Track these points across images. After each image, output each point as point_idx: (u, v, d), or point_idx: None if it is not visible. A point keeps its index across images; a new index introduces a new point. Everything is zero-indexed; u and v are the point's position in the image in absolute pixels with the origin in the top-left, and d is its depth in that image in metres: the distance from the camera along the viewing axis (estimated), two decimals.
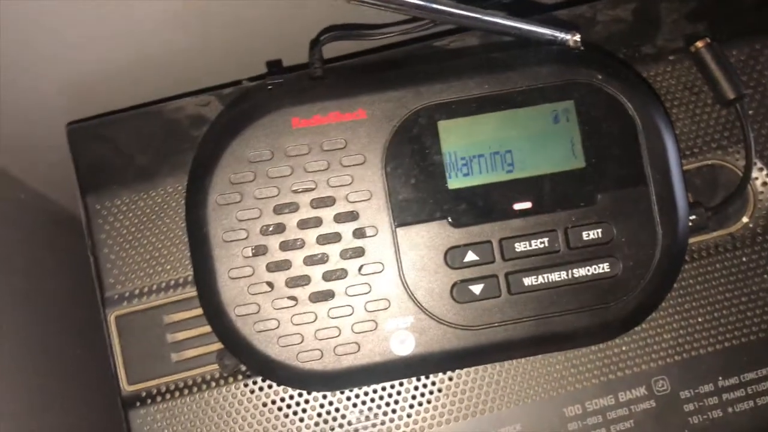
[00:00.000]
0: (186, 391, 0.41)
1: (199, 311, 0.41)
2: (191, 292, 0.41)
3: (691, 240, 0.42)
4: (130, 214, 0.42)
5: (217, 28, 0.45)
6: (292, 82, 0.39)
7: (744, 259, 0.43)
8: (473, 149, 0.38)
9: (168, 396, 0.41)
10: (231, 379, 0.41)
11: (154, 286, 0.41)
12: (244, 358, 0.37)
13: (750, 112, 0.43)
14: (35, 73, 0.45)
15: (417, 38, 0.46)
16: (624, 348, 0.42)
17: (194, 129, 0.43)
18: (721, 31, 0.44)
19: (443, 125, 0.37)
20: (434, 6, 0.34)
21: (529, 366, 0.41)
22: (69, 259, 0.58)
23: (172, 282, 0.41)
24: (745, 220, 0.43)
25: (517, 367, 0.41)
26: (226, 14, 0.44)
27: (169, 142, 0.43)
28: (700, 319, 0.42)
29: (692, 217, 0.40)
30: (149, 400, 0.41)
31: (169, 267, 0.41)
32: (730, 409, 0.41)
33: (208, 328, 0.41)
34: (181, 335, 0.41)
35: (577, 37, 0.40)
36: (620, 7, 0.45)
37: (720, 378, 0.42)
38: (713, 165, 0.44)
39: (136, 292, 0.41)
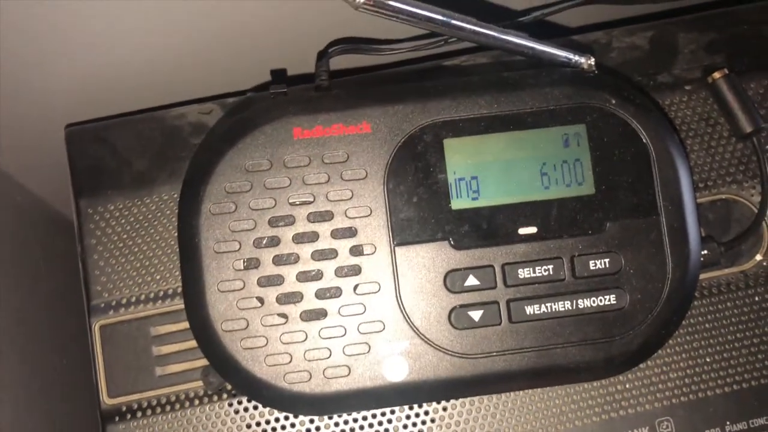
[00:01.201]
0: (168, 408, 0.39)
1: (187, 325, 0.39)
2: (180, 304, 0.40)
3: (702, 276, 0.40)
4: (123, 221, 0.40)
5: (223, 37, 0.44)
6: (296, 92, 0.38)
7: (756, 298, 0.41)
8: (479, 170, 0.36)
9: (149, 412, 0.39)
10: (215, 398, 0.39)
11: (143, 296, 0.40)
12: (229, 376, 0.36)
13: (767, 147, 0.42)
14: (37, 73, 0.44)
15: (426, 57, 0.45)
16: (628, 385, 0.40)
17: (194, 137, 0.42)
18: (740, 63, 0.43)
19: (449, 143, 0.36)
20: (448, 20, 0.33)
21: (527, 399, 0.40)
22: (63, 265, 0.57)
23: (162, 293, 0.40)
24: (758, 258, 0.42)
25: (514, 399, 0.40)
26: (232, 23, 0.43)
27: (168, 149, 0.42)
28: (708, 359, 0.40)
29: (704, 252, 0.39)
30: (129, 415, 0.39)
31: (159, 277, 0.40)
32: None
33: (194, 343, 0.39)
34: (166, 349, 0.40)
35: (592, 61, 0.39)
36: (637, 34, 0.44)
37: (728, 422, 0.40)
38: (727, 199, 0.42)
39: (124, 301, 0.40)
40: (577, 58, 0.38)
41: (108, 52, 0.43)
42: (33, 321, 0.50)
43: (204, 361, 0.39)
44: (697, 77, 0.43)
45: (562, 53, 0.38)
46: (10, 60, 0.41)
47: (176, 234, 0.40)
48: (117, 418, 0.39)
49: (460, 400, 0.39)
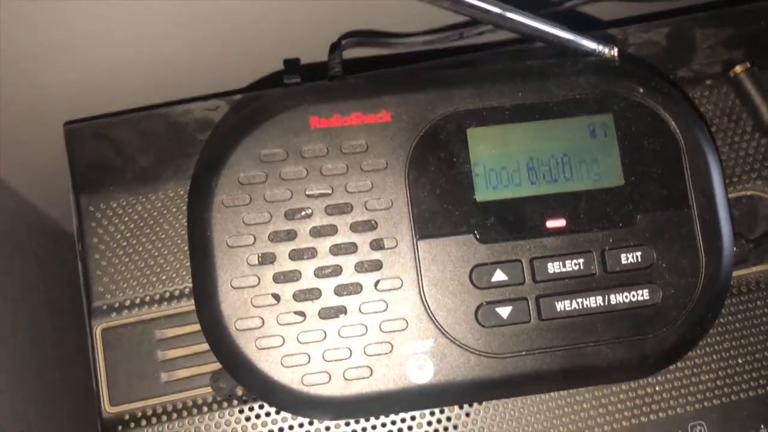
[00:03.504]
0: (174, 416, 0.37)
1: (195, 327, 0.37)
2: (187, 305, 0.38)
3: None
4: (126, 218, 0.38)
5: (228, 33, 0.43)
6: (311, 82, 0.36)
7: None
8: (504, 160, 0.35)
9: (154, 420, 0.37)
10: (225, 404, 0.37)
11: (147, 298, 0.38)
12: (243, 379, 0.34)
13: None
14: (33, 74, 0.42)
15: (440, 52, 0.44)
16: (658, 388, 0.38)
17: (200, 133, 0.40)
18: (761, 58, 0.42)
19: (473, 133, 0.34)
20: (474, 2, 0.32)
21: (553, 404, 0.38)
22: (57, 273, 0.55)
23: (167, 294, 0.38)
24: None
25: (540, 403, 0.38)
26: (238, 18, 0.41)
27: (173, 145, 0.40)
28: (740, 360, 0.39)
29: (734, 250, 0.37)
30: (132, 424, 0.37)
31: (164, 277, 0.38)
32: None
33: (202, 347, 0.37)
34: (172, 353, 0.37)
35: (615, 51, 0.38)
36: (653, 31, 0.43)
37: (762, 426, 0.38)
38: (752, 196, 0.41)
39: (127, 303, 0.38)
40: (600, 47, 0.37)
41: (104, 49, 0.42)
42: (27, 329, 0.47)
43: (213, 366, 0.37)
44: (718, 72, 0.42)
45: (586, 42, 0.37)
46: (4, 61, 0.39)
47: (183, 232, 0.38)
48: (120, 428, 0.36)
49: (484, 404, 0.37)
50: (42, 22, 0.37)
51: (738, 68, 0.41)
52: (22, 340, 0.47)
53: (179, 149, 0.40)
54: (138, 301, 0.38)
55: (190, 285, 0.38)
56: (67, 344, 0.51)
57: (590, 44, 0.37)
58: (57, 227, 0.57)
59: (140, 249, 0.38)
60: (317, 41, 0.43)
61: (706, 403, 0.38)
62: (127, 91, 0.45)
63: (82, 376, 0.42)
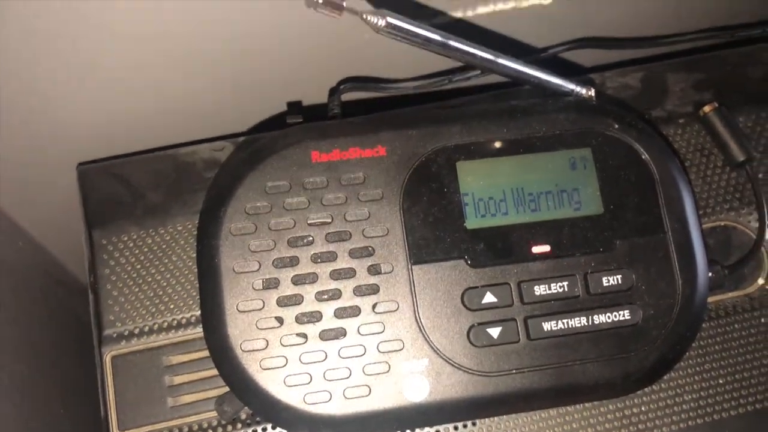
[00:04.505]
0: None
1: (200, 354, 0.39)
2: (193, 333, 0.40)
3: (709, 299, 0.41)
4: (137, 251, 0.41)
5: (233, 77, 0.46)
6: (312, 122, 0.39)
7: (763, 320, 0.42)
8: (491, 191, 0.37)
9: None
10: (229, 428, 0.38)
11: (156, 326, 0.40)
12: (247, 398, 0.35)
13: (759, 175, 0.44)
14: (45, 116, 0.44)
15: (430, 94, 0.47)
16: (643, 408, 0.40)
17: (207, 171, 0.43)
18: (728, 99, 0.45)
19: (462, 166, 0.37)
20: (461, 46, 0.35)
21: (543, 423, 0.39)
22: (59, 310, 0.56)
23: (175, 322, 0.40)
24: (760, 281, 0.43)
25: (531, 423, 0.39)
26: (242, 64, 0.44)
27: (182, 182, 0.42)
28: (721, 381, 0.40)
29: (709, 275, 0.40)
30: None
31: (172, 306, 0.40)
32: None
33: (208, 373, 0.39)
34: (179, 379, 0.39)
35: (592, 92, 0.41)
36: (628, 75, 0.47)
37: None
38: (726, 226, 0.44)
39: (136, 331, 0.39)
40: (578, 88, 0.40)
41: (117, 96, 0.44)
42: (32, 361, 0.49)
43: (217, 391, 0.38)
44: (689, 111, 0.45)
45: (565, 83, 0.40)
46: (16, 103, 0.42)
47: (190, 263, 0.40)
48: None
49: (477, 425, 0.39)
50: (59, 68, 0.40)
51: (707, 108, 0.44)
52: (28, 369, 0.48)
53: (187, 186, 0.42)
54: (147, 329, 0.40)
55: (197, 313, 0.40)
56: (70, 378, 0.52)
57: (569, 86, 0.40)
58: (59, 263, 0.58)
59: (149, 279, 0.40)
60: (316, 86, 0.46)
61: (689, 422, 0.40)
62: (135, 134, 0.47)
63: (87, 408, 0.44)
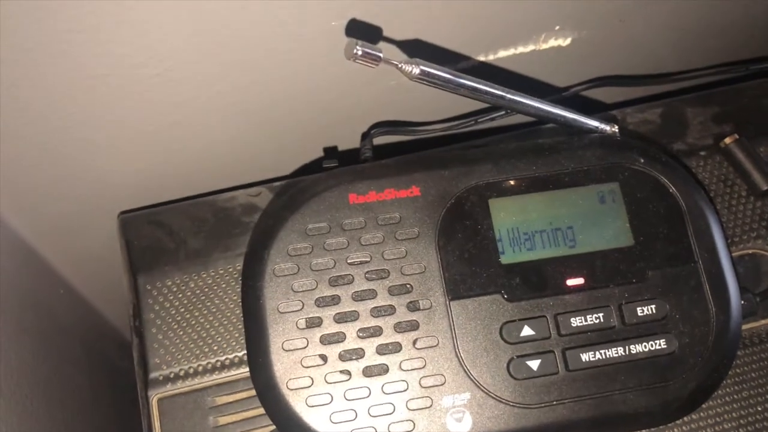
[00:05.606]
0: None
1: (245, 394, 0.40)
2: (237, 374, 0.40)
3: (743, 327, 0.42)
4: (180, 295, 0.42)
5: (268, 125, 0.47)
6: (347, 165, 0.41)
7: None
8: (524, 226, 0.38)
9: None
10: None
11: (200, 368, 0.41)
12: None
13: None
14: (87, 166, 0.46)
15: (457, 135, 0.49)
16: None
17: (245, 216, 0.44)
18: (746, 130, 0.47)
19: (494, 203, 0.39)
20: (490, 90, 0.37)
21: None
22: (98, 361, 0.57)
23: (219, 363, 0.41)
24: None
25: None
26: (277, 113, 0.46)
27: (221, 227, 0.44)
28: (759, 408, 0.41)
29: (741, 302, 0.40)
30: None
31: (216, 348, 0.41)
32: None
33: (252, 413, 0.40)
34: (224, 419, 0.40)
35: (616, 128, 0.42)
36: (647, 111, 0.48)
37: None
38: (754, 254, 0.44)
39: (181, 373, 0.40)
40: (602, 125, 0.42)
41: (155, 147, 0.46)
42: (73, 405, 0.50)
43: (263, 430, 0.39)
44: (710, 144, 0.46)
45: (589, 121, 0.41)
46: (63, 156, 0.44)
47: (232, 306, 0.42)
48: None
49: None
50: (99, 120, 0.42)
51: (727, 140, 0.45)
52: (68, 415, 0.49)
53: (227, 231, 0.44)
54: (191, 370, 0.41)
55: (240, 354, 0.41)
56: (107, 424, 0.53)
57: (593, 123, 0.42)
58: (96, 311, 0.60)
59: (193, 322, 0.41)
60: (347, 131, 0.48)
61: None
62: (172, 182, 0.49)
63: None
